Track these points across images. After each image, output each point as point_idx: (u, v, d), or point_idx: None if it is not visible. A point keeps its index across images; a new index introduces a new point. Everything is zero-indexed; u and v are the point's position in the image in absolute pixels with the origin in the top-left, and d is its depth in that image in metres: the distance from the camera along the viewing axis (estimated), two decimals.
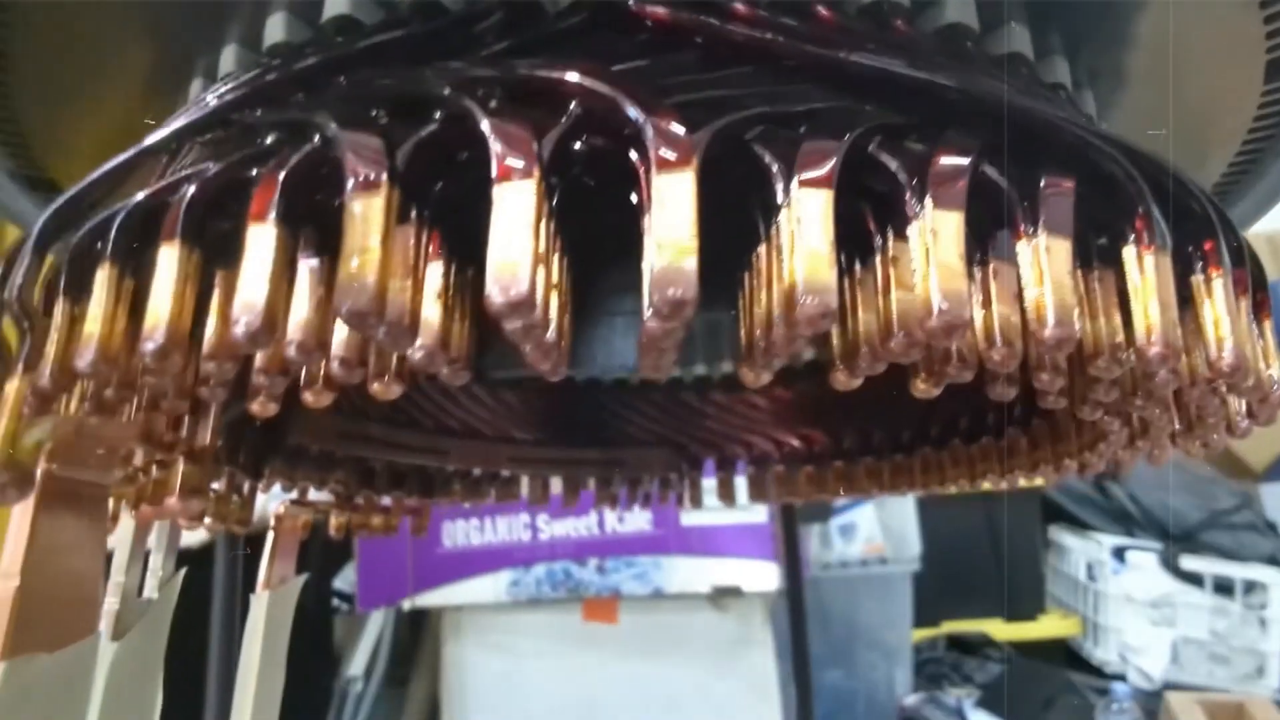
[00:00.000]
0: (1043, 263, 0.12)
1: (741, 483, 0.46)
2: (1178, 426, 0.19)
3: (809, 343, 0.13)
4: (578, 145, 0.12)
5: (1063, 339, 0.12)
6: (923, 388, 0.14)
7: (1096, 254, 0.13)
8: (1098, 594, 1.75)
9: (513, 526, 1.33)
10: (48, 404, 0.14)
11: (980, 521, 1.81)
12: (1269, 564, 1.67)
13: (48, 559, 0.17)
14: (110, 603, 0.24)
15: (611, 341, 0.14)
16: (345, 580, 1.42)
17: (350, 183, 0.11)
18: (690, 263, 0.10)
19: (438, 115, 0.12)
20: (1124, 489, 1.90)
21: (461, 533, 1.33)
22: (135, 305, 0.14)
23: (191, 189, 0.13)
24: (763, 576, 1.22)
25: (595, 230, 0.15)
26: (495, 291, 0.10)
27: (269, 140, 0.13)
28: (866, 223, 0.13)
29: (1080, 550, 1.82)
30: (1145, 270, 0.13)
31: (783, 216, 0.12)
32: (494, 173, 0.11)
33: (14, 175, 0.22)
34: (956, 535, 1.73)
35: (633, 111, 0.12)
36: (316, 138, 0.12)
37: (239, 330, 0.11)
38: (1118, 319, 0.13)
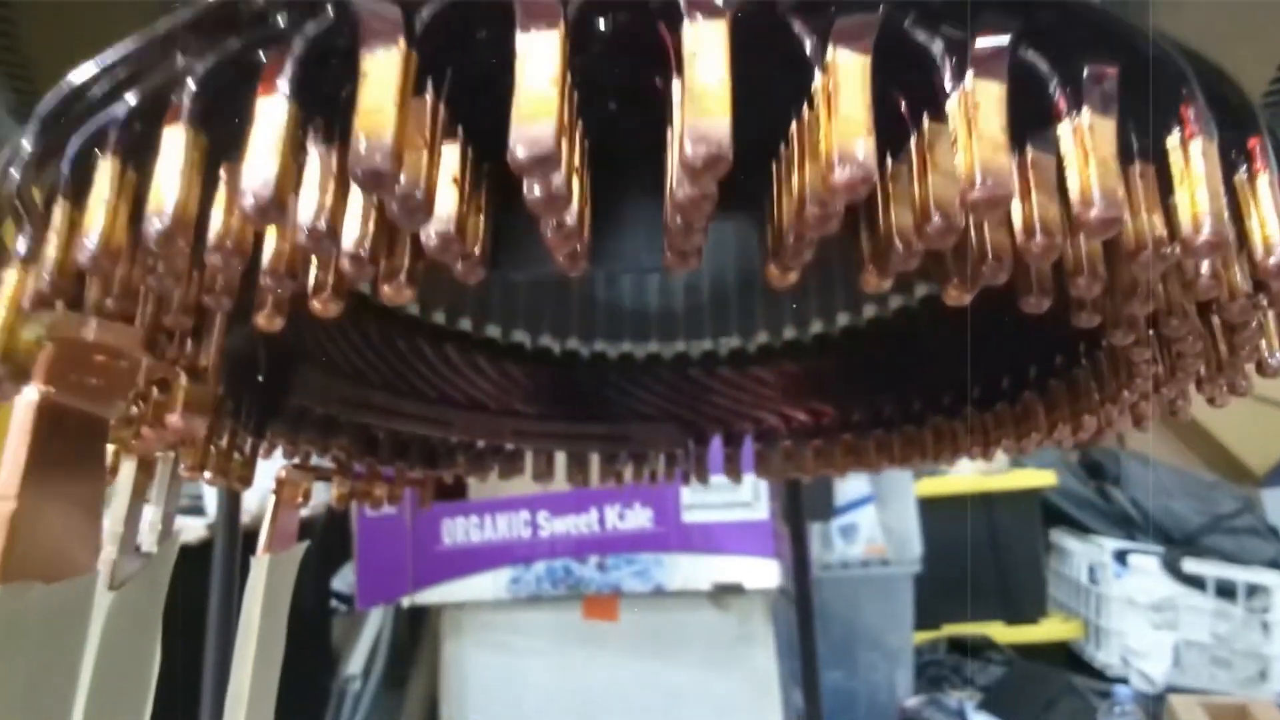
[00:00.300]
0: (1086, 143, 0.11)
1: (749, 461, 0.46)
2: (1209, 360, 0.18)
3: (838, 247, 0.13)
4: (603, 21, 0.12)
5: (1107, 219, 0.11)
6: (954, 294, 0.14)
7: (1137, 150, 0.13)
8: (1099, 597, 1.75)
9: (513, 523, 1.33)
10: (47, 304, 0.13)
11: (981, 524, 1.80)
12: (1271, 567, 1.67)
13: (45, 487, 0.17)
14: (108, 551, 0.23)
15: (635, 240, 0.14)
16: (344, 581, 1.41)
17: (366, 43, 0.10)
18: (724, 115, 0.10)
19: None
20: (1125, 493, 1.90)
21: (461, 530, 1.33)
22: (138, 203, 0.13)
23: (200, 69, 0.12)
24: (764, 574, 1.22)
25: (617, 144, 0.14)
26: (520, 143, 0.09)
27: (281, 22, 0.12)
28: (899, 112, 0.12)
29: (1082, 553, 1.81)
30: (1191, 158, 0.12)
31: (817, 87, 0.11)
32: (518, 23, 0.10)
33: (15, 111, 0.22)
34: (957, 538, 1.73)
35: None
36: (331, 11, 0.12)
37: (247, 202, 0.11)
38: (1160, 215, 0.13)
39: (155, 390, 0.17)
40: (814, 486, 1.50)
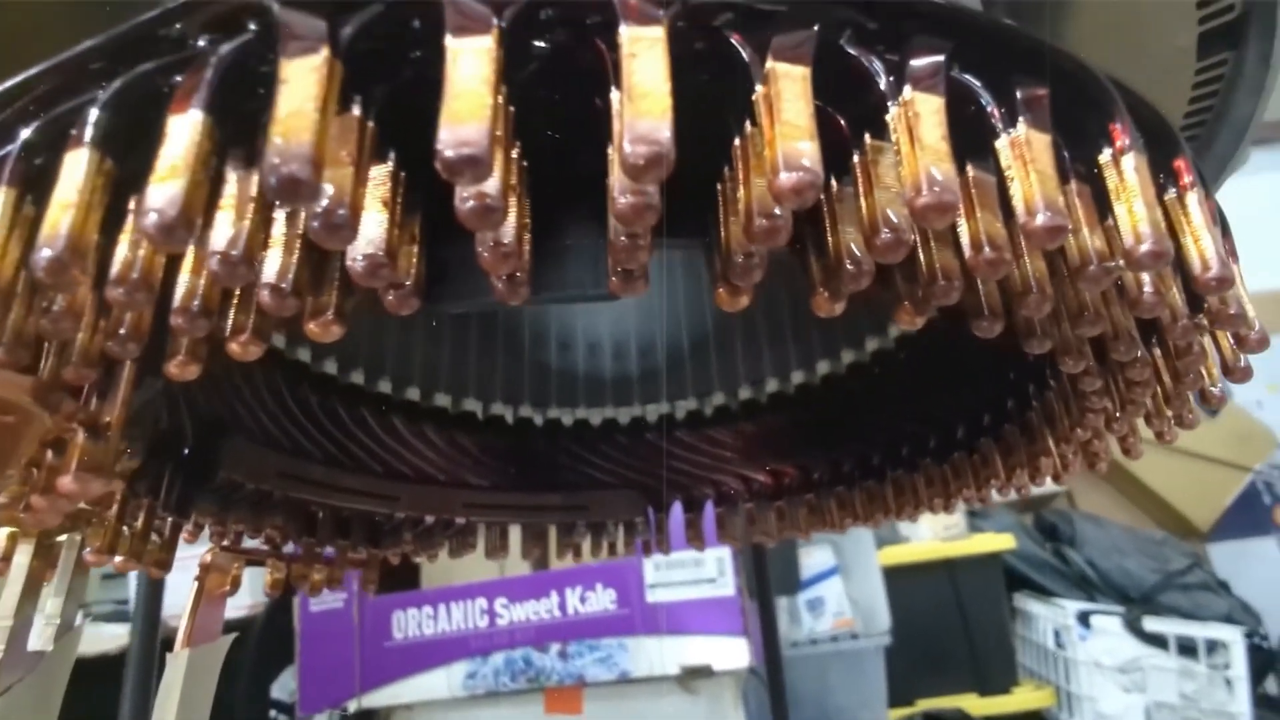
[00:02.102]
0: (1026, 156, 0.12)
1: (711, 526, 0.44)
2: (1155, 393, 0.18)
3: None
4: (539, 43, 0.12)
5: (1053, 227, 0.11)
6: (906, 318, 0.13)
7: (1070, 171, 0.13)
8: (1068, 661, 1.74)
9: (469, 612, 1.26)
10: None
11: (946, 591, 1.79)
12: (1226, 622, 1.69)
13: None
14: None
15: (579, 267, 0.13)
16: (284, 689, 1.31)
17: (286, 51, 0.10)
18: (665, 115, 0.09)
19: None
20: (1081, 554, 1.92)
21: (413, 622, 1.26)
22: (32, 235, 0.12)
23: (105, 93, 0.11)
24: (733, 654, 1.17)
25: (560, 171, 0.14)
26: (449, 143, 0.09)
27: (201, 44, 0.12)
28: (841, 133, 0.12)
29: (1046, 617, 1.81)
30: (1125, 173, 0.12)
31: (758, 98, 0.11)
32: (448, 28, 0.10)
33: None
34: (924, 607, 1.71)
35: None
36: (253, 25, 0.11)
37: (148, 221, 0.10)
38: (1100, 233, 0.13)
39: (50, 453, 0.15)
40: (779, 559, 1.47)
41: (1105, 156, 0.13)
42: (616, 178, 0.10)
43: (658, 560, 1.19)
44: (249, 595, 1.23)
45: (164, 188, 0.10)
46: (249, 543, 0.34)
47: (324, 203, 0.10)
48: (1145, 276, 0.13)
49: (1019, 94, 0.12)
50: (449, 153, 0.09)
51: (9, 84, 0.12)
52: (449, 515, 0.40)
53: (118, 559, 0.23)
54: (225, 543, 0.32)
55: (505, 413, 0.41)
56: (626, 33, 0.10)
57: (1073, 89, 0.13)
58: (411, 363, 0.40)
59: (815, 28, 0.11)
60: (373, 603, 1.22)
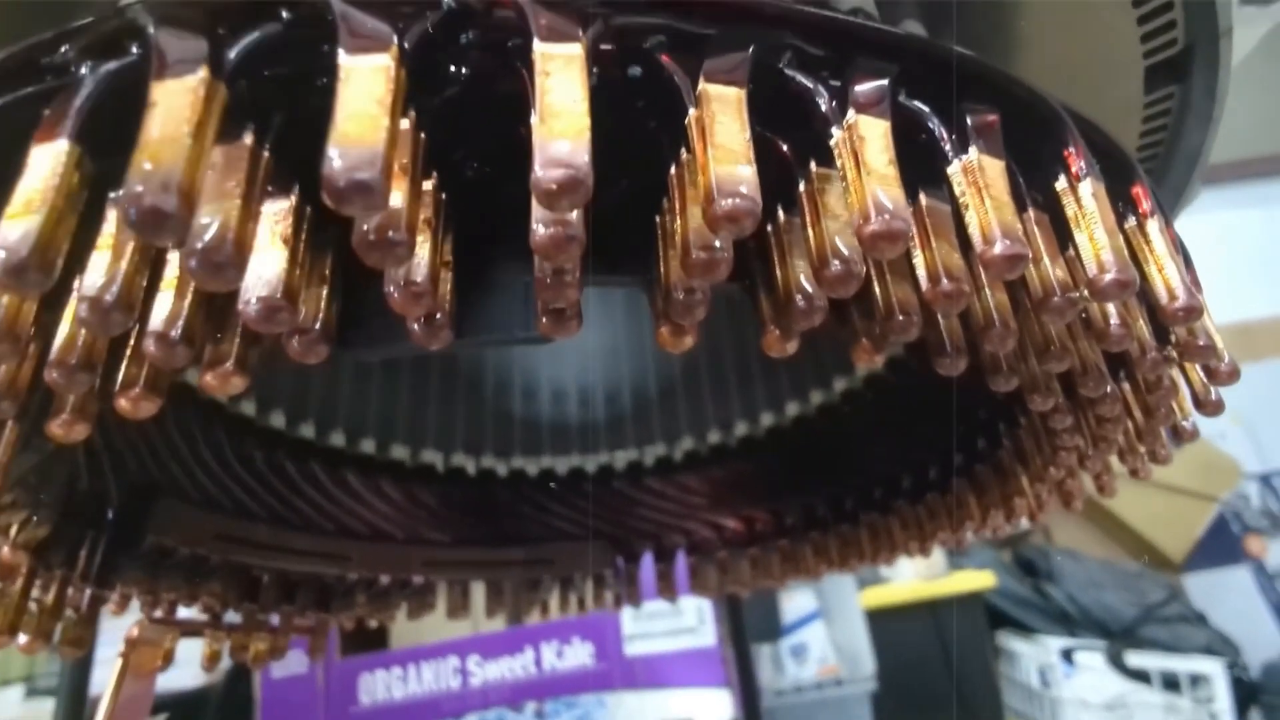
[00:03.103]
0: (980, 182, 0.11)
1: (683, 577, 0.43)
2: (1127, 429, 0.17)
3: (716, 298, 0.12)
4: (456, 67, 0.11)
5: (1012, 255, 0.10)
6: (864, 355, 0.12)
7: (1028, 200, 0.13)
8: (1053, 701, 1.72)
9: (440, 673, 1.21)
10: None
11: (930, 631, 1.78)
12: (1206, 654, 1.69)
13: None
14: None
15: (507, 308, 0.12)
16: None
17: (158, 73, 0.09)
18: (581, 136, 0.08)
19: (284, 15, 0.10)
20: (1060, 589, 1.92)
21: (382, 685, 1.20)
22: None
23: None
24: (715, 706, 1.14)
25: (484, 207, 0.13)
26: (335, 168, 0.08)
27: (80, 71, 0.11)
28: (785, 161, 0.12)
29: (1030, 655, 1.80)
30: (1083, 200, 0.12)
31: (690, 122, 0.10)
32: (340, 44, 0.09)
33: None
34: (908, 649, 1.69)
35: None
36: (134, 48, 0.10)
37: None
38: (1061, 263, 0.12)
39: None
40: (759, 605, 1.44)
41: (1061, 184, 0.12)
42: (534, 207, 0.09)
43: (636, 611, 1.16)
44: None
45: (17, 224, 0.09)
46: (184, 612, 0.31)
47: (204, 239, 0.08)
48: (1111, 307, 0.12)
49: (970, 120, 0.12)
50: (338, 180, 0.08)
51: None
52: (406, 574, 0.38)
53: (21, 638, 0.21)
54: (157, 613, 0.29)
55: (467, 464, 0.39)
56: (540, 50, 0.09)
57: (1025, 115, 0.12)
58: (366, 413, 0.38)
59: (750, 50, 0.11)
60: (339, 666, 1.16)
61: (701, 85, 0.10)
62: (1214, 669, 1.60)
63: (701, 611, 1.15)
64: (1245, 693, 1.70)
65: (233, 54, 0.10)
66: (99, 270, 0.10)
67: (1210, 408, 0.16)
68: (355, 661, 1.12)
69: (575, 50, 0.09)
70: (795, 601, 1.59)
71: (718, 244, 0.10)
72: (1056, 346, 0.13)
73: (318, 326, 0.11)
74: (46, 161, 0.09)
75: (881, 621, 1.58)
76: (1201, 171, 0.24)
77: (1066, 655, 1.72)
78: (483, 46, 0.11)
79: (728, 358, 0.37)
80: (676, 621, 1.16)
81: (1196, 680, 1.62)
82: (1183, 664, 1.64)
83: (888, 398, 0.31)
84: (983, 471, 0.28)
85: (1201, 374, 0.16)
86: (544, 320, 0.11)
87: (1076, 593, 1.90)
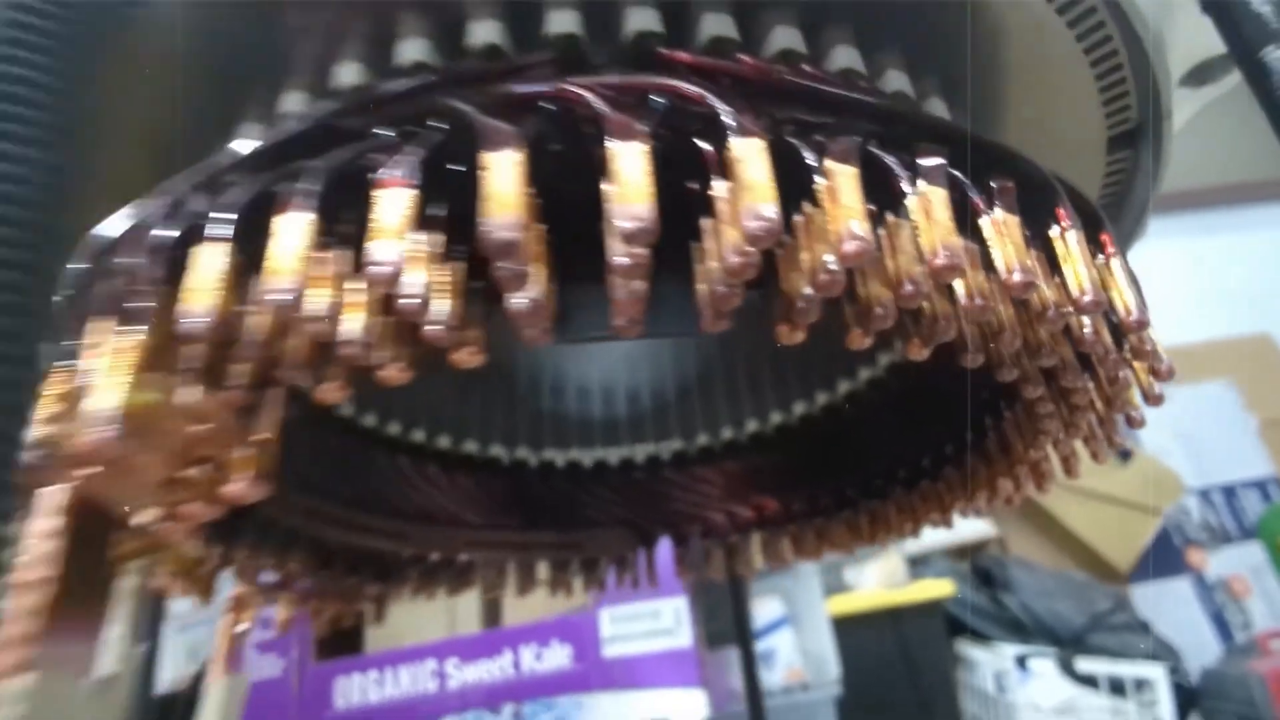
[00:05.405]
0: (1004, 232, 0.16)
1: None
2: (1093, 409, 0.23)
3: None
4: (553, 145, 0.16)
5: (1026, 283, 0.15)
6: (916, 350, 0.18)
7: (1031, 241, 0.18)
8: (1008, 705, 1.77)
9: (417, 676, 1.20)
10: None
11: (891, 640, 1.81)
12: (1150, 660, 1.76)
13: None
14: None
15: (591, 315, 0.17)
16: None
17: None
18: (648, 199, 0.13)
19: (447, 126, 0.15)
20: (1015, 598, 1.99)
21: (357, 689, 1.18)
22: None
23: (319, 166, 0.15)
24: (691, 705, 1.16)
25: (570, 243, 0.18)
26: (491, 228, 0.13)
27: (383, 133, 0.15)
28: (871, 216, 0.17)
29: (987, 662, 1.85)
30: (1070, 245, 0.17)
31: (822, 189, 0.15)
32: (482, 145, 0.14)
33: None
34: (871, 656, 1.72)
35: (597, 104, 0.15)
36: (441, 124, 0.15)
37: (378, 272, 0.13)
38: (1054, 285, 0.17)
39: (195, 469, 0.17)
40: (729, 610, 1.46)
41: (1054, 232, 0.17)
42: (613, 244, 0.14)
43: (614, 613, 1.18)
44: (170, 669, 1.15)
45: (383, 244, 0.13)
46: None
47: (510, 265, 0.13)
48: (1086, 320, 0.18)
49: (994, 186, 0.17)
50: (493, 236, 0.13)
51: (272, 137, 0.15)
52: (453, 553, 0.42)
53: (180, 584, 0.25)
54: (264, 578, 0.33)
55: (502, 454, 0.44)
56: (610, 145, 0.14)
57: (1030, 183, 0.18)
58: (416, 407, 0.42)
59: (858, 139, 0.16)
60: (313, 670, 1.16)
61: (827, 163, 0.15)
62: (1157, 674, 1.68)
63: (679, 613, 1.18)
64: (1185, 697, 1.77)
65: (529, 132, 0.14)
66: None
67: (1154, 400, 0.22)
68: (330, 666, 1.12)
69: (640, 148, 0.14)
70: (764, 608, 1.62)
71: (838, 269, 0.15)
72: (1047, 347, 0.18)
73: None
74: (399, 201, 0.14)
75: (846, 628, 1.62)
76: (1148, 214, 0.31)
77: (1021, 662, 1.78)
78: (572, 136, 0.16)
79: (739, 365, 0.42)
80: (654, 623, 1.19)
81: (1141, 685, 1.69)
82: (1128, 670, 1.71)
83: (889, 397, 0.36)
84: (972, 461, 0.33)
85: (1149, 374, 0.21)
86: (619, 321, 0.16)
87: (1030, 601, 1.96)
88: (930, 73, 0.23)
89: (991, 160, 0.17)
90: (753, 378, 0.43)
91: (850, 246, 0.14)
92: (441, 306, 0.15)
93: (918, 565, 1.88)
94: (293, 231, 0.14)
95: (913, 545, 1.86)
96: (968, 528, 1.95)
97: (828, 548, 0.41)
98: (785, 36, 0.20)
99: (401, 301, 0.14)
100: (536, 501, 0.44)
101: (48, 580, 0.16)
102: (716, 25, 0.20)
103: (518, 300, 0.15)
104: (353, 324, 0.15)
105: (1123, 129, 0.25)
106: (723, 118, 0.15)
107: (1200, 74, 0.24)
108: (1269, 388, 1.87)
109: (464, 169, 0.15)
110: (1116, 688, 1.70)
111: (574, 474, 0.45)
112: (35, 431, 0.16)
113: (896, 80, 0.22)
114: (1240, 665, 1.78)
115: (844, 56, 0.21)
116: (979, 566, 2.05)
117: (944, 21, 0.22)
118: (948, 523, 0.37)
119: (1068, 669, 1.77)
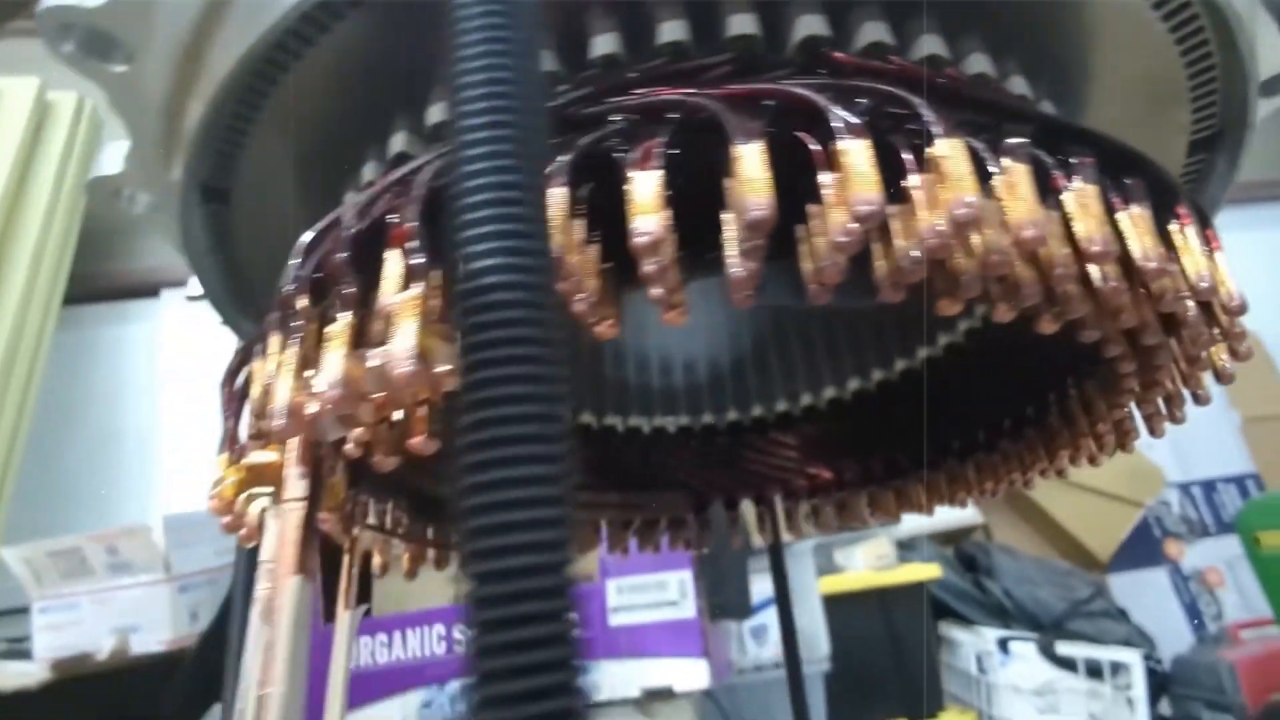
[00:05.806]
0: (1085, 204, 0.19)
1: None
2: (1177, 359, 0.26)
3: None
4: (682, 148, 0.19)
5: (1105, 251, 0.19)
6: (1003, 311, 0.20)
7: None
8: (989, 686, 1.82)
9: (425, 639, 1.21)
10: None
11: (878, 620, 1.85)
12: (1125, 645, 1.82)
13: None
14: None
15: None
16: None
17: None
18: (766, 193, 0.17)
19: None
20: (998, 584, 2.04)
21: (366, 651, 1.20)
22: None
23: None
24: (693, 675, 1.20)
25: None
26: (640, 230, 0.16)
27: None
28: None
29: (970, 644, 1.90)
30: (1189, 238, 0.20)
31: (1000, 184, 0.18)
32: (733, 137, 0.17)
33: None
34: (858, 635, 1.76)
35: (822, 103, 0.18)
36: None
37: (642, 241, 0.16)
38: (1168, 261, 0.21)
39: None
40: (735, 585, 1.49)
41: (1174, 226, 0.21)
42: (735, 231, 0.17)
43: (620, 584, 1.20)
44: (171, 630, 1.15)
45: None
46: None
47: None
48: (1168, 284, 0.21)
49: (1128, 181, 0.20)
50: (642, 238, 0.16)
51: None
52: None
53: (333, 519, 0.28)
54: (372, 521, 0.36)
55: (591, 420, 0.46)
56: (734, 149, 0.17)
57: (1158, 185, 0.21)
58: None
59: (1027, 141, 0.19)
60: (321, 632, 1.17)
61: (1004, 161, 0.18)
62: (1133, 659, 1.73)
63: (684, 585, 1.21)
64: (1158, 682, 1.83)
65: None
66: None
67: (1226, 378, 0.25)
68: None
69: (757, 147, 0.17)
70: (758, 585, 1.64)
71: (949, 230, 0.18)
72: (1129, 310, 0.21)
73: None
74: (652, 182, 0.17)
75: (836, 607, 1.66)
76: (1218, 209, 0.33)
77: (1003, 645, 1.83)
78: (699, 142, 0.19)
79: (817, 333, 0.44)
80: (659, 595, 1.22)
81: (1117, 669, 1.75)
82: (1105, 654, 1.76)
83: (969, 362, 0.38)
84: (1053, 419, 0.34)
85: (1225, 353, 0.25)
86: (736, 295, 0.18)
87: (1012, 587, 2.01)
88: (1043, 76, 0.26)
89: (1126, 162, 0.21)
90: (830, 347, 0.45)
91: (1029, 233, 0.17)
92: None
93: (905, 549, 1.92)
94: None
95: (900, 529, 1.90)
96: (953, 514, 1.99)
97: (906, 508, 0.43)
98: (930, 43, 0.23)
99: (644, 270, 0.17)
100: (618, 466, 0.47)
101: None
102: (874, 32, 0.23)
103: (737, 269, 0.18)
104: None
105: (1203, 135, 0.28)
106: (926, 123, 0.18)
107: (1274, 84, 0.27)
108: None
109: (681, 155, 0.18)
110: (1094, 671, 1.76)
111: (658, 439, 0.47)
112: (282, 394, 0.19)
113: (1018, 85, 0.25)
114: (1211, 653, 1.84)
115: (978, 62, 0.24)
116: (964, 552, 2.10)
117: (1053, 25, 0.25)
118: (1028, 483, 0.38)
119: (1047, 652, 1.82)
